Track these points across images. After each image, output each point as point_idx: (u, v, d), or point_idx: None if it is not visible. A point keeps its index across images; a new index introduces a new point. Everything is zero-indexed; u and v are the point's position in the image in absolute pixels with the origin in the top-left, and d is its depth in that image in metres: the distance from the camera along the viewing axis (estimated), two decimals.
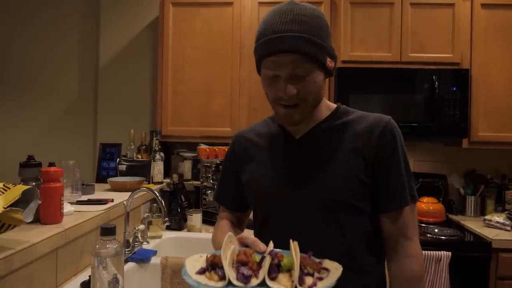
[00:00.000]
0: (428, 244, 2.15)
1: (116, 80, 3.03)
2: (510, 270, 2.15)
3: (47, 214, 1.39)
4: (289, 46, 0.88)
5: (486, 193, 2.65)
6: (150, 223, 2.02)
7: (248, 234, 0.88)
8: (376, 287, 1.00)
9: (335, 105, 1.05)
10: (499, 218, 2.35)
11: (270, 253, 0.80)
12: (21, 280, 1.16)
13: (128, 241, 1.66)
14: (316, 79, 0.92)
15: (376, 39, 2.52)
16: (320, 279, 0.78)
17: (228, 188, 1.16)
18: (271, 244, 0.83)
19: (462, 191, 2.70)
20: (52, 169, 1.43)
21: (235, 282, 0.76)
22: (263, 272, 0.77)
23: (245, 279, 0.77)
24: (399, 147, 0.97)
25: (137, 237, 1.73)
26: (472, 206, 2.64)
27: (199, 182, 2.50)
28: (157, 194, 1.60)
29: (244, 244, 0.86)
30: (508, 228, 2.28)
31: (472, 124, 2.49)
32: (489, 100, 2.49)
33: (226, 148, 1.85)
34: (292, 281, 0.76)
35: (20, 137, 3.13)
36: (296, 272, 0.75)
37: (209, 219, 2.30)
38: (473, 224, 2.42)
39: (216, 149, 2.39)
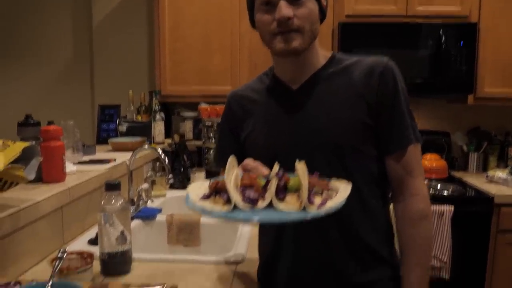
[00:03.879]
0: (431, 199, 2.13)
1: (111, 41, 2.94)
2: (511, 224, 2.18)
3: (50, 173, 1.37)
4: None
5: (489, 150, 2.64)
6: (153, 182, 2.01)
7: (249, 160, 0.86)
8: (384, 229, 1.01)
9: (330, 53, 1.03)
10: (502, 173, 2.36)
11: (277, 174, 0.77)
12: (28, 237, 1.16)
13: (132, 200, 1.66)
14: (311, 7, 0.91)
15: None
16: (330, 197, 0.77)
17: (227, 149, 1.12)
18: (276, 166, 0.80)
19: (465, 148, 2.69)
20: (52, 127, 1.40)
21: (241, 205, 0.73)
22: (270, 194, 0.74)
23: (252, 202, 0.74)
24: (400, 87, 0.96)
25: (142, 196, 1.72)
26: (475, 163, 2.64)
27: (201, 142, 2.47)
28: (160, 152, 1.58)
29: (246, 170, 0.84)
30: (511, 183, 2.28)
31: (478, 80, 2.44)
32: (497, 54, 2.43)
33: None
34: (301, 202, 0.73)
35: (17, 104, 3.07)
36: (304, 192, 0.73)
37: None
38: (476, 180, 2.43)
39: (217, 108, 2.35)
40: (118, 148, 2.12)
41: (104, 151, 2.12)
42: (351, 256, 0.96)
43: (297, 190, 0.75)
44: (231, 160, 0.81)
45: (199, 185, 0.83)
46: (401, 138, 0.95)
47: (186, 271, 1.14)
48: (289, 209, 0.73)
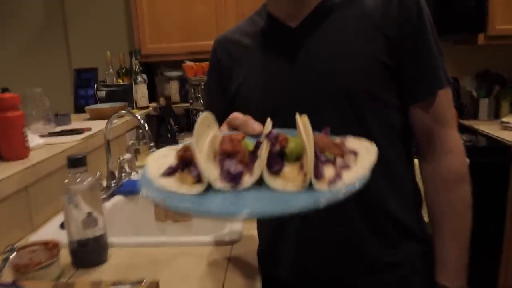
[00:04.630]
0: None
1: None
2: None
3: (9, 148, 1.18)
4: None
5: (501, 94, 2.45)
6: (137, 151, 1.83)
7: (237, 114, 0.62)
8: (410, 196, 0.84)
9: None
10: None
11: (268, 136, 0.54)
12: None
13: (113, 173, 1.47)
14: None
15: None
16: (347, 167, 0.53)
17: (216, 106, 0.92)
18: (268, 124, 0.57)
19: (474, 93, 2.49)
20: (7, 95, 1.18)
21: (218, 184, 0.50)
22: (260, 165, 0.51)
23: (233, 178, 0.51)
24: (425, 14, 0.75)
25: (123, 167, 1.54)
26: (486, 109, 2.45)
27: (189, 104, 2.26)
28: (137, 116, 1.38)
29: (234, 127, 0.61)
30: None
31: (489, 16, 2.20)
32: None
33: None
34: (305, 174, 0.50)
35: None
36: (309, 160, 0.50)
37: None
38: (488, 128, 2.25)
39: (204, 65, 2.12)
40: (97, 116, 1.91)
41: (82, 120, 1.92)
42: (372, 231, 0.79)
43: (299, 157, 0.53)
44: (205, 117, 0.57)
45: (164, 153, 0.60)
46: (430, 80, 0.76)
47: (173, 256, 0.97)
48: (287, 187, 0.51)
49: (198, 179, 0.51)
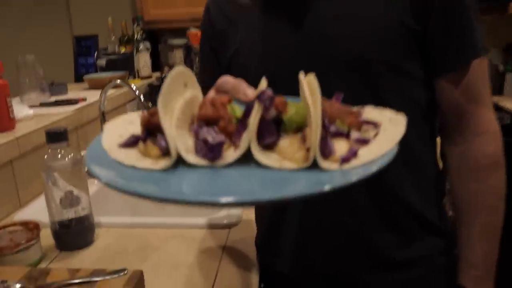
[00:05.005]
0: None
1: None
2: None
3: None
4: None
5: None
6: None
7: (228, 77, 0.50)
8: (432, 184, 0.72)
9: None
10: None
11: (260, 97, 0.40)
12: None
13: None
14: None
15: None
16: (364, 142, 0.41)
17: (210, 75, 0.81)
18: (263, 84, 0.43)
19: (501, 67, 2.32)
20: None
21: (190, 157, 0.39)
22: (248, 135, 0.39)
23: (211, 150, 0.39)
24: None
25: None
26: None
27: (194, 74, 2.15)
28: (132, 86, 1.27)
29: (224, 91, 0.49)
30: None
31: None
32: None
33: None
34: (308, 149, 0.39)
35: None
36: (315, 130, 0.38)
37: None
38: None
39: None
40: (95, 86, 1.81)
41: (80, 90, 1.82)
42: (386, 223, 0.68)
43: (299, 127, 0.41)
44: (181, 73, 0.44)
45: (131, 118, 0.47)
46: (463, 46, 0.63)
47: (164, 239, 0.88)
48: (284, 165, 0.39)
49: (166, 151, 0.39)
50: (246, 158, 0.40)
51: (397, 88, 0.63)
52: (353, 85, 0.61)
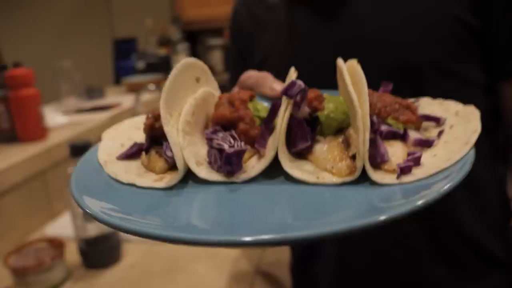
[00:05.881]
0: None
1: None
2: None
3: (23, 129, 1.07)
4: None
5: None
6: None
7: (252, 72, 0.42)
8: (496, 210, 0.60)
9: None
10: None
11: (289, 91, 0.31)
12: (9, 209, 0.89)
13: None
14: None
15: None
16: (426, 143, 0.32)
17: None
18: (292, 72, 0.34)
19: None
20: (19, 71, 1.07)
21: (201, 172, 0.30)
22: (275, 141, 0.30)
23: (228, 163, 0.30)
24: None
25: None
26: None
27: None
28: None
29: (247, 88, 0.41)
30: None
31: None
32: None
33: None
34: (351, 156, 0.30)
35: (35, 46, 2.81)
36: (362, 131, 0.28)
37: None
38: None
39: None
40: (132, 89, 1.79)
41: (117, 93, 1.81)
42: (440, 256, 0.57)
43: (340, 128, 0.32)
44: (190, 65, 0.35)
45: (135, 125, 0.39)
46: None
47: (193, 259, 0.82)
48: (322, 180, 0.29)
49: (174, 164, 0.31)
50: (273, 169, 0.30)
51: (451, 96, 0.52)
52: (398, 94, 0.51)
